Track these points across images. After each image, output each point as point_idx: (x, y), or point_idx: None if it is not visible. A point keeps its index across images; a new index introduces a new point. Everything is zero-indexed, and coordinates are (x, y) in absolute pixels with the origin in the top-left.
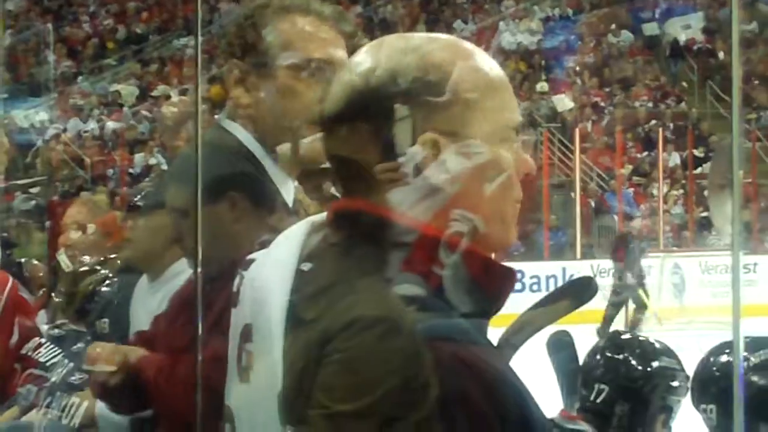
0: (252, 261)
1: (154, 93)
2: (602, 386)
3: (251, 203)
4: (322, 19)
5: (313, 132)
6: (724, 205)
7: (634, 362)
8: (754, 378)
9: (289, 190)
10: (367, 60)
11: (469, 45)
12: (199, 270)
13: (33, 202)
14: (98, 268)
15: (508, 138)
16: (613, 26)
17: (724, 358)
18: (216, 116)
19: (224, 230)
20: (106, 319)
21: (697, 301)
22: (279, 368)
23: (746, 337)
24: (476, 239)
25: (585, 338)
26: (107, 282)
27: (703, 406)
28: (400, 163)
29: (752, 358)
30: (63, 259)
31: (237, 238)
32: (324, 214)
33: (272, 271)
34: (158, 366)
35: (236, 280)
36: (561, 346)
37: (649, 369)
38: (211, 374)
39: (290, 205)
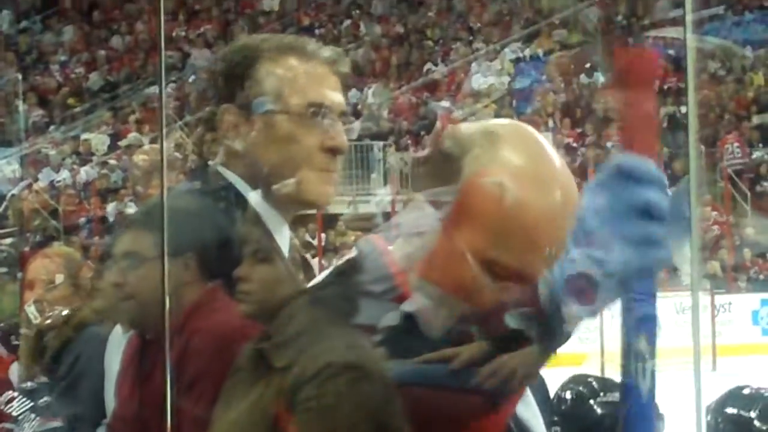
0: None
1: (125, 142)
2: (555, 428)
3: (204, 270)
4: (319, 62)
5: (304, 176)
6: (683, 244)
7: (583, 398)
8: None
9: (284, 235)
10: None
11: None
12: (167, 331)
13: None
14: (66, 320)
15: None
16: (588, 65)
17: (729, 410)
18: (210, 162)
19: (173, 291)
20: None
21: (672, 342)
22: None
23: (748, 388)
24: None
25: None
26: (78, 334)
27: None
28: (371, 214)
29: (753, 412)
30: (31, 311)
31: (182, 300)
32: None
33: None
34: None
35: None
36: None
37: (595, 404)
38: None
39: (285, 250)
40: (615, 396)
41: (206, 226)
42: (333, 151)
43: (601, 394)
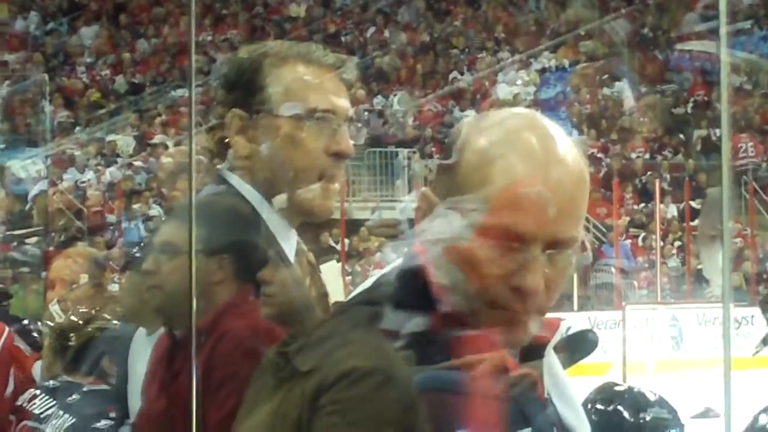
0: None
1: (152, 141)
2: None
3: (238, 270)
4: (325, 68)
5: (313, 182)
6: (714, 255)
7: (625, 413)
8: None
9: (290, 241)
10: None
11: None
12: (193, 329)
13: (29, 253)
14: (89, 320)
15: None
16: (606, 77)
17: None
18: (218, 166)
19: (204, 289)
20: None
21: (695, 354)
22: None
23: None
24: None
25: (584, 392)
26: (101, 333)
27: None
28: (396, 221)
29: None
30: (55, 310)
31: (213, 300)
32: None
33: None
34: None
35: None
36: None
37: (640, 420)
38: None
39: (291, 255)
40: (654, 411)
41: (241, 229)
42: (338, 156)
43: (642, 404)
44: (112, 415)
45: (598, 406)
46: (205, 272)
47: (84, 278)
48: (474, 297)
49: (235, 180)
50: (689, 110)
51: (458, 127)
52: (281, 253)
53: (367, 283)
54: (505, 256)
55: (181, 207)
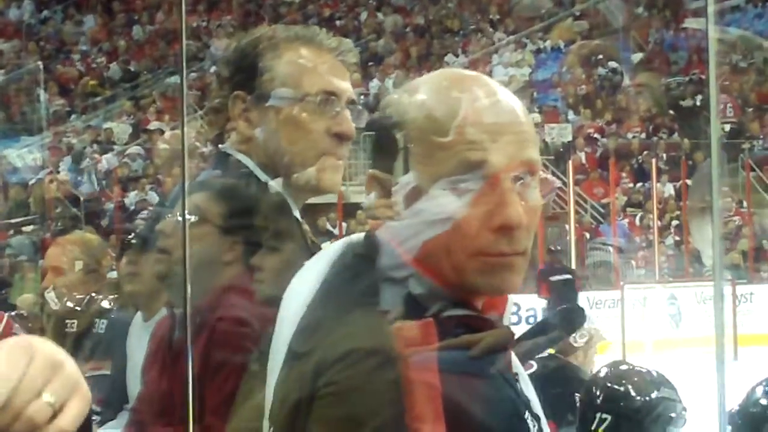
0: None
1: (148, 128)
2: (605, 415)
3: (246, 253)
4: (326, 51)
5: (315, 163)
6: (704, 227)
7: (634, 393)
8: None
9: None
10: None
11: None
12: (188, 309)
13: (26, 241)
14: (86, 306)
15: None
16: (601, 57)
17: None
18: (220, 146)
19: (212, 268)
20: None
21: (694, 332)
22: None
23: None
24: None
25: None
26: (99, 319)
27: None
28: (394, 201)
29: None
30: (51, 297)
31: (218, 280)
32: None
33: (290, 295)
34: None
35: None
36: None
37: (650, 399)
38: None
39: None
40: (661, 392)
41: (253, 212)
42: (340, 137)
43: (651, 385)
44: (97, 409)
45: (608, 385)
46: (219, 251)
47: (78, 265)
48: (460, 256)
49: (248, 162)
50: (698, 103)
51: (398, 104)
52: (303, 233)
53: (330, 252)
54: (480, 197)
55: (219, 183)
